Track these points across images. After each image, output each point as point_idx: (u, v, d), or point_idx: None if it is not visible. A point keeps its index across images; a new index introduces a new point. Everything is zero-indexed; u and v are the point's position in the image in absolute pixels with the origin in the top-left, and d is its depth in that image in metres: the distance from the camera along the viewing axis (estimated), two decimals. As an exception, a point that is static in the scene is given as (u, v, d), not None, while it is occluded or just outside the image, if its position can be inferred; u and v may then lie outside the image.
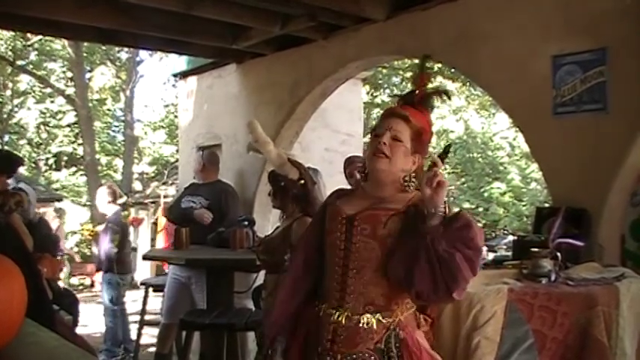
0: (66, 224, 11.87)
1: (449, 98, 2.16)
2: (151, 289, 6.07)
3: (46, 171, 23.33)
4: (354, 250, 1.96)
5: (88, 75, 20.81)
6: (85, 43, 17.28)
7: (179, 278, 4.89)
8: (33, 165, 23.06)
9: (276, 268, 3.21)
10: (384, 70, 16.05)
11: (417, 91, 2.13)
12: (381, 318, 1.93)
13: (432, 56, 5.19)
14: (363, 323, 1.92)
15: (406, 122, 2.02)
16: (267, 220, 6.05)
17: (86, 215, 18.53)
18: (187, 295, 4.81)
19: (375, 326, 1.92)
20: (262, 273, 3.89)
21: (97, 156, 20.18)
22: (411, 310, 2.01)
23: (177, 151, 11.77)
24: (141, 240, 14.78)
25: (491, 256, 12.31)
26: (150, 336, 6.31)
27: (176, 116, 13.58)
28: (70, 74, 20.62)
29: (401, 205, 1.96)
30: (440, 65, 13.19)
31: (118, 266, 6.40)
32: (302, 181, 3.25)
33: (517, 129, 5.23)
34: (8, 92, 20.94)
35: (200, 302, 4.70)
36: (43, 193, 15.62)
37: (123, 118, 22.62)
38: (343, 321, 1.94)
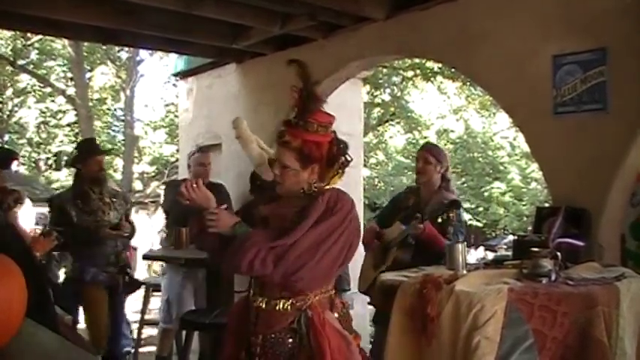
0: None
1: (314, 99, 2.33)
2: (151, 289, 6.06)
3: (45, 170, 23.32)
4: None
5: (88, 74, 20.77)
6: (86, 43, 17.26)
7: (177, 279, 4.82)
8: (33, 164, 23.06)
9: None
10: (385, 70, 16.05)
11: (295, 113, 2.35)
12: (294, 301, 2.20)
13: (432, 55, 5.22)
14: (279, 307, 2.21)
15: (287, 149, 2.29)
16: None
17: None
18: (185, 296, 4.76)
19: (289, 309, 2.20)
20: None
21: (97, 156, 20.10)
22: (326, 294, 2.27)
23: (177, 150, 11.77)
24: (141, 240, 14.74)
25: (491, 255, 12.34)
26: (150, 336, 6.31)
27: (176, 116, 13.56)
28: (70, 74, 20.60)
29: (301, 205, 2.25)
30: (440, 65, 13.25)
31: None
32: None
33: (517, 129, 5.24)
34: (8, 92, 20.93)
35: (198, 303, 4.69)
36: (42, 193, 15.61)
37: (123, 117, 22.60)
38: (263, 305, 2.23)
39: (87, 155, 4.35)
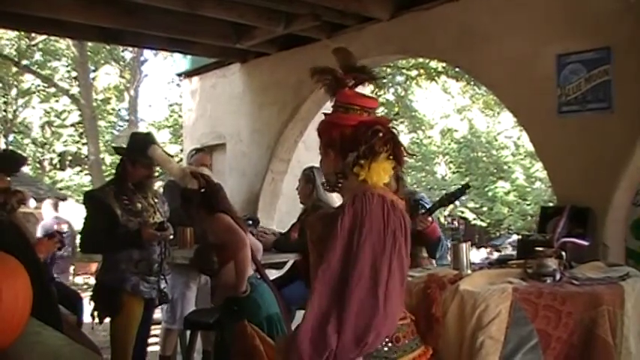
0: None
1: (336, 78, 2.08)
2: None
3: (50, 170, 23.38)
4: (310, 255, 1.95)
5: (92, 74, 20.85)
6: (90, 43, 17.31)
7: (181, 279, 4.79)
8: (37, 164, 23.12)
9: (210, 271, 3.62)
10: (389, 69, 16.04)
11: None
12: None
13: (436, 55, 5.22)
14: None
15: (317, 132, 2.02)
16: (272, 219, 6.05)
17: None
18: (189, 296, 4.74)
19: None
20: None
21: (101, 155, 20.19)
22: None
23: (181, 150, 11.78)
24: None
25: (495, 255, 12.33)
26: (154, 335, 6.30)
27: (180, 116, 13.59)
28: (74, 74, 20.68)
29: (330, 209, 1.99)
30: (444, 64, 13.24)
31: None
32: (203, 189, 3.52)
33: (521, 128, 5.23)
34: (13, 92, 21.00)
35: (199, 303, 4.67)
36: (47, 193, 15.66)
37: (127, 117, 22.67)
38: None
39: (141, 157, 3.70)
